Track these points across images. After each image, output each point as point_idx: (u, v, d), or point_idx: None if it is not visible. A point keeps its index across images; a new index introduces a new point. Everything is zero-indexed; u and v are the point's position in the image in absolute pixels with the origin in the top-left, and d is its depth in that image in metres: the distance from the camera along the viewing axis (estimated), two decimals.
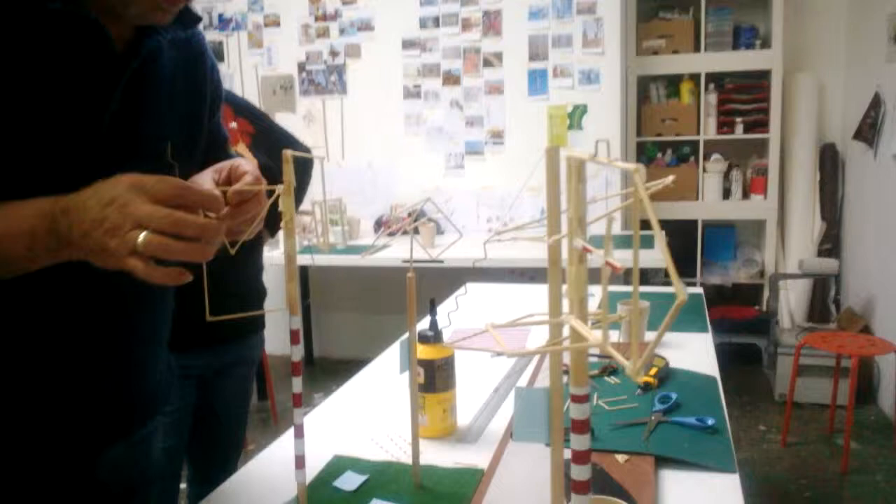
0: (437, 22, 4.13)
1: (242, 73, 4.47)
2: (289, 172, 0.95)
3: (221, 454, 2.01)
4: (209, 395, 1.89)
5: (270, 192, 0.96)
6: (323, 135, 4.40)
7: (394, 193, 4.30)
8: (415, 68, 4.21)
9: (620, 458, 1.21)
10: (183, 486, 2.11)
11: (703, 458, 1.20)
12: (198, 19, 1.00)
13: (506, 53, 4.07)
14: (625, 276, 3.81)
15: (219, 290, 1.64)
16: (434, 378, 1.35)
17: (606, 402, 1.45)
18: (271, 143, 2.01)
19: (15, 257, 0.80)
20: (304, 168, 2.16)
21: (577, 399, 0.55)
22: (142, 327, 1.04)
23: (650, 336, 1.88)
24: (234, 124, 1.97)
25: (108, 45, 0.89)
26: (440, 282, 2.93)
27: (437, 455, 1.28)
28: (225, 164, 0.92)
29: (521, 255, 3.48)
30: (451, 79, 4.17)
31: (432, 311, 1.41)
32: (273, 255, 3.84)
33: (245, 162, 0.94)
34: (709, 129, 4.28)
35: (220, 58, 4.47)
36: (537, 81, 4.03)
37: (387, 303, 4.34)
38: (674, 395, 1.42)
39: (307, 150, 2.18)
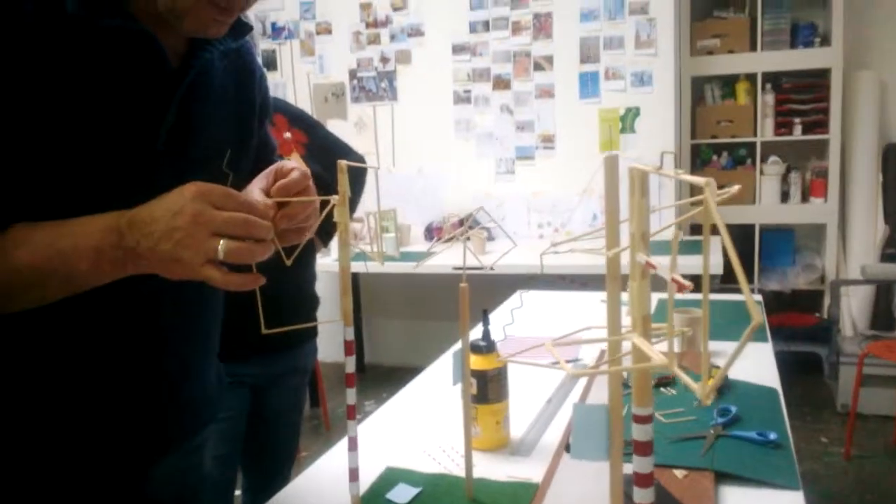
0: (486, 26, 4.12)
1: (295, 82, 4.53)
2: (343, 183, 0.95)
3: (275, 463, 2.03)
4: (262, 403, 1.92)
5: (325, 203, 0.96)
6: (374, 141, 4.43)
7: (444, 200, 4.30)
8: (465, 73, 4.20)
9: (679, 473, 1.18)
10: (237, 493, 2.14)
11: (766, 474, 1.16)
12: (249, 29, 1.01)
13: (556, 56, 4.03)
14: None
15: (272, 299, 1.66)
16: (487, 389, 1.34)
17: (663, 413, 1.41)
18: (325, 152, 2.03)
19: (80, 273, 0.81)
20: (357, 177, 2.17)
21: (640, 420, 0.53)
22: (193, 335, 1.05)
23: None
24: (287, 134, 1.99)
25: (163, 60, 0.90)
26: (492, 289, 2.92)
27: (490, 468, 1.27)
28: (270, 169, 0.93)
29: (574, 262, 3.45)
30: (501, 83, 4.15)
31: (485, 321, 1.40)
32: (325, 262, 3.88)
33: (290, 162, 0.94)
34: (766, 131, 4.18)
35: (274, 66, 4.55)
36: (589, 84, 3.99)
37: (438, 310, 4.34)
38: (733, 408, 1.38)
39: (361, 159, 2.19)
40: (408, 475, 1.23)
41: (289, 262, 0.95)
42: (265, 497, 1.24)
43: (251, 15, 4.48)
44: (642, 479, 0.54)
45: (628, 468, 1.18)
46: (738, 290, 2.18)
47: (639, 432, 0.54)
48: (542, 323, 2.25)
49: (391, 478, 1.22)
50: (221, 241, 0.77)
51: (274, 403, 1.95)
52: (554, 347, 0.64)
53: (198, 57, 0.94)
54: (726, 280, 3.94)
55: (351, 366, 0.97)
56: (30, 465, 0.92)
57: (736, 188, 0.63)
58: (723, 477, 1.17)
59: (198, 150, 0.97)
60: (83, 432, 0.94)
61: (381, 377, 4.37)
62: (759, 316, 0.39)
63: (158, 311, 0.97)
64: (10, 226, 0.81)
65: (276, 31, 4.51)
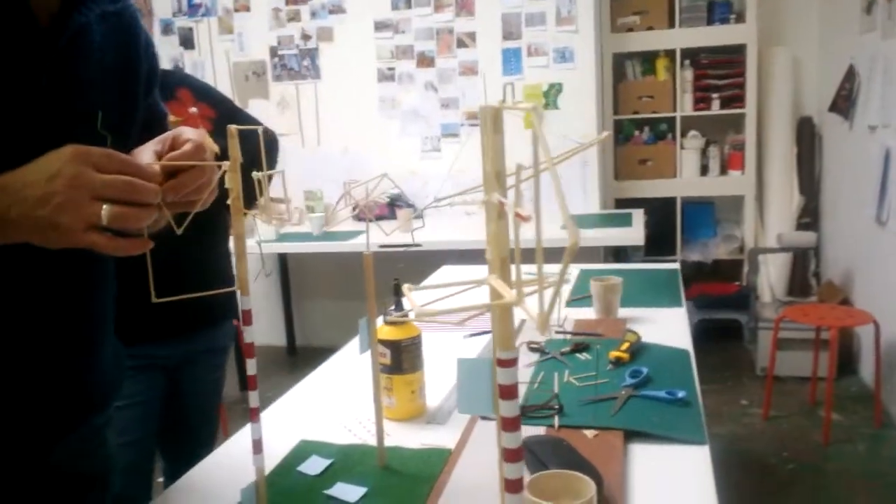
0: (409, 3, 4.07)
1: (214, 60, 4.40)
2: (234, 147, 0.91)
3: (194, 447, 1.97)
4: (177, 386, 1.86)
5: (223, 177, 0.93)
6: (297, 121, 4.35)
7: (371, 174, 4.26)
8: (388, 50, 4.16)
9: (589, 433, 1.20)
10: (160, 480, 2.09)
11: (673, 430, 1.19)
12: None
13: (479, 33, 4.02)
14: (611, 255, 3.79)
15: (179, 273, 1.61)
16: (401, 359, 1.33)
17: (577, 377, 1.43)
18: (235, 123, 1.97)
19: None
20: (268, 152, 2.12)
21: (504, 363, 0.52)
22: (80, 311, 1.00)
23: (623, 312, 1.86)
24: (194, 109, 1.92)
25: (31, 20, 0.85)
26: (420, 267, 2.91)
27: (406, 436, 1.26)
28: (168, 135, 0.89)
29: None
30: (425, 60, 4.12)
31: (397, 292, 1.38)
32: (249, 243, 3.80)
33: (189, 130, 0.90)
34: (685, 106, 4.27)
35: (191, 45, 4.41)
36: (512, 61, 3.99)
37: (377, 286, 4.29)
38: (645, 370, 1.40)
39: (272, 134, 2.14)
40: (321, 447, 1.21)
41: (178, 231, 0.91)
42: None
43: None
44: (509, 423, 0.53)
45: (528, 431, 1.19)
46: (660, 261, 2.21)
47: (503, 376, 0.53)
48: (463, 297, 2.25)
49: (304, 450, 1.20)
50: (105, 206, 0.73)
51: (189, 386, 1.89)
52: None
53: (71, 17, 0.89)
54: (650, 251, 4.04)
55: (249, 336, 0.94)
56: None
57: (605, 134, 0.63)
58: (632, 435, 1.19)
59: (75, 111, 0.92)
60: None
61: (312, 358, 4.27)
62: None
63: (39, 284, 0.92)
64: None
65: (193, 8, 4.36)
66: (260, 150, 2.14)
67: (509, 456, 0.53)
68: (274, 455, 1.20)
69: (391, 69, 4.18)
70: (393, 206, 4.10)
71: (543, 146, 0.42)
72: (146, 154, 0.88)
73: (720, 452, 2.96)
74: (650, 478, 1.07)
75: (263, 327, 4.65)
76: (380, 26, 4.14)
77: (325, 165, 4.29)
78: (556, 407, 1.28)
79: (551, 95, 3.97)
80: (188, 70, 4.42)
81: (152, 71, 1.10)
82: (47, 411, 0.96)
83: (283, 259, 4.52)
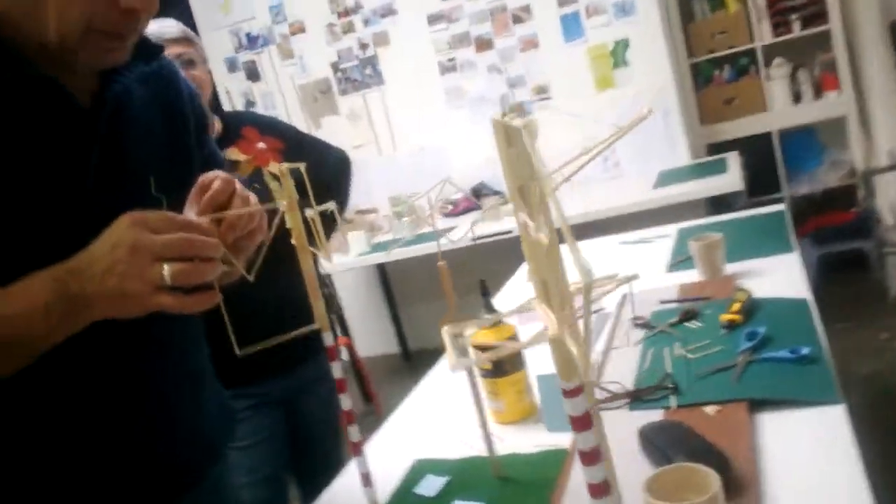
0: None
1: (281, 87, 4.48)
2: (288, 188, 0.90)
3: (325, 472, 2.00)
4: (296, 417, 1.89)
5: (274, 212, 0.92)
6: (370, 129, 4.37)
7: (452, 173, 4.23)
8: (445, 42, 4.11)
9: (710, 409, 1.12)
10: None
11: (802, 392, 1.10)
12: (158, 50, 0.97)
13: (533, 5, 3.91)
14: (711, 206, 3.62)
15: (268, 312, 1.63)
16: (502, 361, 1.29)
17: (689, 349, 1.35)
18: (304, 154, 1.98)
19: (35, 336, 0.79)
20: (341, 173, 2.12)
21: (568, 394, 0.47)
22: (173, 373, 1.02)
23: (730, 268, 1.76)
24: (261, 144, 1.94)
25: (71, 102, 0.87)
26: (512, 255, 2.86)
27: (521, 439, 1.22)
28: (195, 188, 0.90)
29: (587, 208, 3.37)
30: (483, 44, 4.05)
31: (484, 293, 1.35)
32: (346, 260, 3.85)
33: (212, 172, 0.90)
34: (764, 34, 4.01)
35: (257, 77, 4.50)
36: (571, 26, 3.86)
37: (468, 284, 4.28)
38: (761, 330, 1.31)
39: (342, 154, 2.14)
40: (436, 465, 1.20)
41: (251, 277, 0.92)
42: None
43: (224, 30, 4.44)
44: (588, 457, 0.48)
45: (644, 416, 1.13)
46: (764, 203, 2.05)
47: (571, 406, 0.48)
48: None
49: (420, 471, 1.19)
50: (165, 266, 0.74)
51: (307, 416, 1.93)
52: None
53: (110, 90, 0.90)
54: (754, 194, 3.82)
55: (338, 371, 0.93)
56: None
57: (647, 111, 0.57)
58: (758, 405, 1.11)
59: (129, 182, 0.93)
60: (84, 482, 0.92)
61: (427, 360, 4.33)
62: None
63: (128, 356, 0.94)
64: None
65: (252, 41, 4.46)
66: (342, 175, 2.13)
67: (594, 491, 0.48)
68: (392, 477, 1.19)
69: (451, 59, 4.13)
70: (479, 196, 4.05)
71: (538, 163, 0.38)
72: (189, 212, 0.88)
73: (865, 397, 2.77)
74: (783, 450, 0.99)
75: (375, 338, 4.73)
76: (433, 19, 4.10)
77: (404, 168, 4.30)
78: (671, 386, 1.21)
79: (619, 53, 3.82)
80: (259, 101, 4.52)
81: (200, 122, 1.11)
82: (155, 477, 0.98)
83: (381, 268, 4.57)
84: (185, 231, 0.78)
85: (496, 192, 4.04)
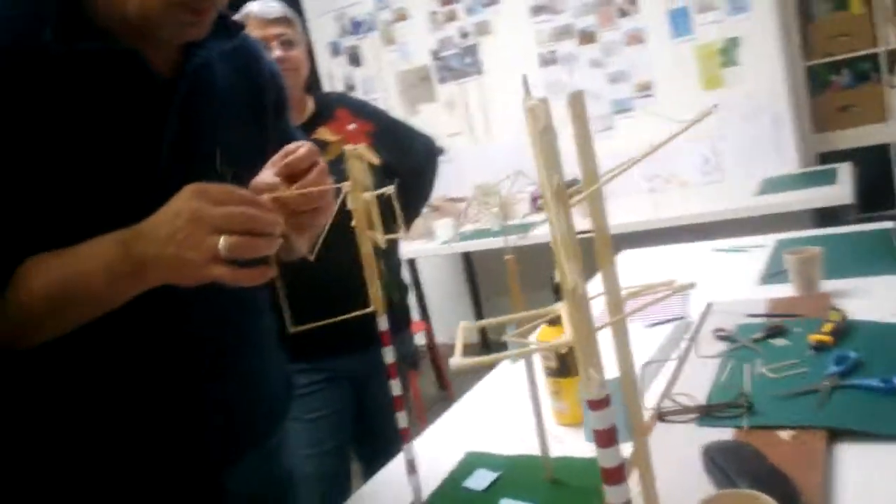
0: None
1: (382, 73, 4.53)
2: (357, 170, 0.89)
3: (386, 452, 2.02)
4: (365, 395, 1.91)
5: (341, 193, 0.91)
6: (465, 118, 4.36)
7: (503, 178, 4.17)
8: (547, 34, 4.04)
9: (784, 434, 1.05)
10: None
11: (888, 426, 1.01)
12: (239, 28, 0.98)
13: None
14: (817, 218, 3.42)
15: (351, 291, 1.65)
16: (568, 361, 1.25)
17: (770, 368, 1.27)
18: (394, 139, 1.99)
19: (95, 294, 0.81)
20: (428, 161, 2.12)
21: (593, 405, 0.44)
22: (244, 344, 1.04)
23: (828, 285, 1.64)
24: (352, 126, 1.96)
25: (150, 74, 0.88)
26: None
27: (581, 444, 1.18)
28: (280, 152, 0.90)
29: (688, 210, 3.24)
30: (586, 37, 3.96)
31: (556, 291, 1.30)
32: (432, 246, 3.86)
33: (301, 141, 0.91)
34: (889, 39, 3.74)
35: (358, 62, 4.56)
36: (680, 22, 3.72)
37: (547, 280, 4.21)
38: (853, 354, 1.21)
39: (430, 141, 2.14)
40: (488, 459, 1.17)
41: (311, 257, 0.91)
42: None
43: (330, 16, 4.52)
44: (611, 475, 0.45)
45: (713, 433, 1.07)
46: (875, 219, 1.90)
47: (596, 420, 0.44)
48: (644, 282, 2.10)
49: (470, 463, 1.17)
50: (222, 238, 0.75)
51: (376, 394, 1.94)
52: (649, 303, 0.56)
53: (190, 63, 0.91)
54: (866, 209, 3.59)
55: (389, 356, 0.92)
56: (97, 475, 0.93)
57: (711, 108, 0.52)
58: (838, 435, 1.03)
59: (203, 156, 0.95)
60: (150, 440, 0.95)
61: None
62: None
63: (196, 328, 0.96)
64: (26, 259, 0.82)
65: (356, 27, 4.52)
66: (427, 163, 2.13)
67: (608, 476, 0.45)
68: (445, 466, 1.18)
69: (552, 52, 4.06)
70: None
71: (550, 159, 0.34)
72: (266, 175, 0.89)
73: None
74: (860, 488, 0.91)
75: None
76: (536, 10, 4.04)
77: (497, 159, 4.26)
78: (745, 405, 1.14)
79: (729, 52, 3.65)
80: (359, 86, 4.59)
81: (280, 102, 1.12)
82: (216, 438, 1.00)
83: (467, 257, 4.56)
84: (245, 206, 0.78)
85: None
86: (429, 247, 3.86)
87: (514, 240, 1.06)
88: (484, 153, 4.33)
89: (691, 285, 0.62)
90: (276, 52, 1.75)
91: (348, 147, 0.88)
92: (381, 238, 0.89)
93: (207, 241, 0.75)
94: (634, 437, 0.58)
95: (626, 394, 0.55)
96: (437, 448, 1.29)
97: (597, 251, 0.57)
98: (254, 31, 1.75)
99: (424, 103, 4.45)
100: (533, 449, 1.20)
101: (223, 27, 0.95)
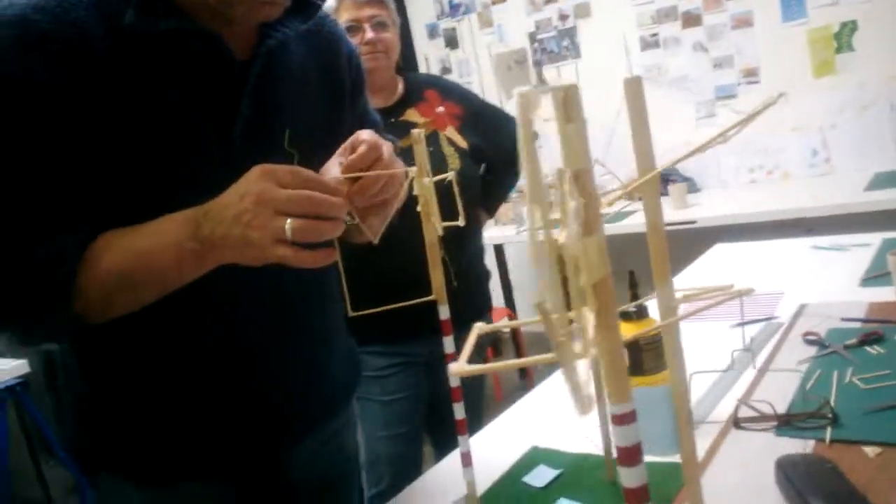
0: None
1: (478, 56, 4.50)
2: (420, 153, 0.88)
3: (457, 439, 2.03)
4: (439, 380, 1.91)
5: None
6: None
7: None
8: (649, 16, 3.91)
9: (870, 451, 0.97)
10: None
11: None
12: (316, 7, 0.98)
13: None
14: None
15: (417, 277, 1.65)
16: (641, 359, 1.21)
17: (862, 378, 1.19)
18: (482, 122, 1.97)
19: (165, 270, 0.84)
20: (515, 143, 2.09)
21: (619, 420, 0.41)
22: (310, 322, 1.05)
23: None
24: (441, 108, 1.95)
25: (226, 54, 0.90)
26: (692, 244, 2.68)
27: None
28: (348, 142, 0.90)
29: (797, 204, 3.07)
30: (691, 19, 3.80)
31: (632, 284, 1.26)
32: (515, 234, 3.83)
33: (365, 133, 0.90)
34: None
35: (455, 44, 4.55)
36: (792, 3, 3.51)
37: (639, 271, 4.10)
38: None
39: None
40: (551, 456, 1.15)
41: (375, 240, 0.91)
42: None
43: None
44: (634, 496, 0.42)
45: (792, 445, 1.00)
46: None
47: (620, 436, 0.42)
48: (735, 278, 2.01)
49: (533, 458, 1.15)
50: (288, 220, 0.76)
51: (447, 380, 1.94)
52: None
53: (265, 44, 0.92)
54: None
55: (449, 346, 0.91)
56: (165, 450, 0.97)
57: (779, 96, 0.48)
58: None
59: (277, 135, 0.96)
60: (211, 419, 0.98)
61: None
62: None
63: (266, 304, 0.98)
64: (97, 237, 0.85)
65: (454, 9, 4.50)
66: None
67: (631, 497, 0.42)
68: (506, 460, 1.16)
69: (654, 35, 3.92)
70: (666, 182, 3.85)
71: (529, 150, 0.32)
72: (333, 165, 0.89)
73: None
74: None
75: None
76: None
77: (593, 146, 4.16)
78: (830, 416, 1.07)
79: (844, 37, 3.43)
80: (454, 69, 4.58)
81: (357, 83, 1.12)
82: (276, 421, 1.02)
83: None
84: (311, 188, 0.79)
85: (686, 179, 3.82)
86: (515, 233, 3.83)
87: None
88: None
89: (749, 290, 0.58)
90: (369, 34, 1.75)
91: (414, 131, 0.87)
92: (439, 226, 0.88)
93: (273, 223, 0.76)
94: (684, 474, 0.55)
95: (679, 410, 0.52)
96: (504, 439, 1.28)
97: (651, 250, 0.54)
98: (347, 12, 1.76)
99: (520, 86, 4.39)
100: (598, 448, 1.17)
101: (302, 6, 0.96)
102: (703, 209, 3.41)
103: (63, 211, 0.84)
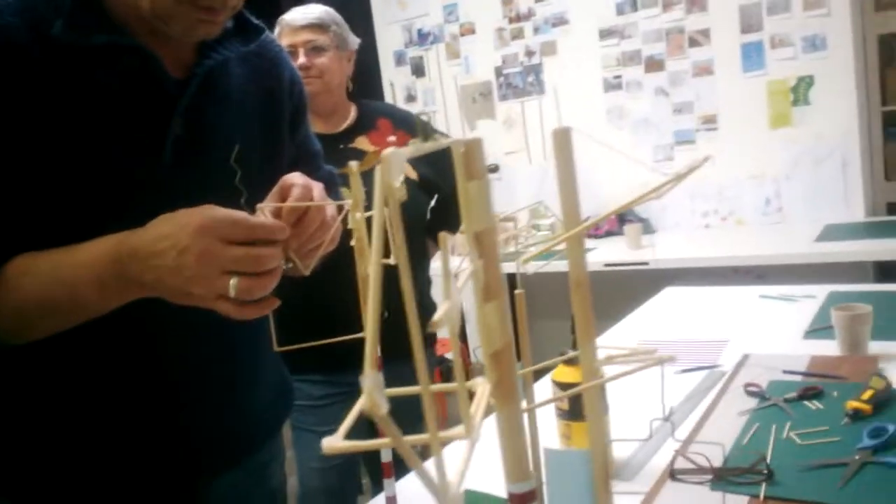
0: (634, 5, 3.85)
1: (443, 86, 4.51)
2: (356, 186, 0.85)
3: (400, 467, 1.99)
4: None
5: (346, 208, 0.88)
6: (524, 138, 4.30)
7: (600, 192, 4.08)
8: (614, 58, 3.96)
9: None
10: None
11: None
12: (259, 30, 0.95)
13: (714, 29, 3.68)
14: (880, 272, 3.25)
15: (352, 309, 1.62)
16: (580, 404, 1.19)
17: (799, 433, 1.18)
18: (434, 154, 1.95)
19: (85, 302, 0.80)
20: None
21: (519, 500, 0.39)
22: (237, 353, 1.01)
23: (876, 347, 1.53)
24: (392, 137, 1.94)
25: (160, 72, 0.87)
26: (643, 285, 2.69)
27: None
28: (277, 186, 0.87)
29: (747, 252, 3.11)
30: (654, 64, 3.86)
31: (573, 331, 1.24)
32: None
33: (296, 175, 0.87)
34: None
35: (422, 73, 4.56)
36: (752, 55, 3.59)
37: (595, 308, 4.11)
38: (891, 428, 1.11)
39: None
40: (487, 501, 1.11)
41: (306, 272, 0.88)
42: None
43: (397, 26, 4.53)
44: None
45: (734, 501, 0.99)
46: None
47: None
48: (682, 323, 2.02)
49: (470, 502, 1.11)
50: (232, 280, 0.73)
51: (392, 410, 1.90)
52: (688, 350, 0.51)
53: (202, 64, 0.89)
54: None
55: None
56: (77, 479, 0.92)
57: (704, 159, 0.47)
58: None
59: (213, 159, 0.92)
60: (127, 450, 0.93)
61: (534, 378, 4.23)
62: None
63: (189, 330, 0.94)
64: (14, 256, 0.80)
65: (422, 37, 4.52)
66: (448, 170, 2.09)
67: None
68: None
69: (618, 77, 3.98)
70: (623, 222, 3.88)
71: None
72: (266, 211, 0.86)
73: None
74: None
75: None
76: (604, 34, 3.96)
77: (552, 181, 4.19)
78: (765, 472, 1.06)
79: (801, 90, 3.51)
80: (419, 97, 4.58)
81: (299, 109, 1.09)
82: (195, 453, 0.97)
83: (510, 277, 4.49)
84: (257, 236, 0.76)
85: (641, 220, 3.85)
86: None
87: (528, 269, 1.00)
88: (540, 174, 4.27)
89: (671, 358, 0.56)
90: (300, 59, 1.74)
91: (352, 163, 0.84)
92: (373, 263, 0.85)
93: (217, 282, 0.74)
94: None
95: (597, 480, 0.50)
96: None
97: (575, 309, 0.51)
98: (286, 38, 1.75)
99: (483, 119, 4.42)
100: None
101: (245, 29, 0.93)
102: (657, 251, 3.43)
103: None
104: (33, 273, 0.80)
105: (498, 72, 4.32)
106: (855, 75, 3.44)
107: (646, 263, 3.18)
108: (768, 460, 1.09)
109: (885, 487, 0.99)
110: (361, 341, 0.95)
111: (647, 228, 3.84)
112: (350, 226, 0.85)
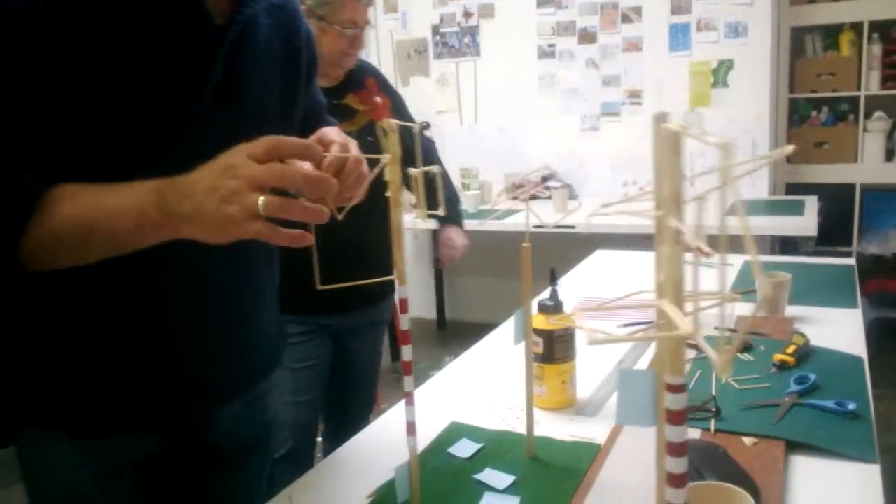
0: None
1: (378, 39, 4.53)
2: (394, 143, 0.94)
3: (353, 411, 2.10)
4: (343, 353, 1.98)
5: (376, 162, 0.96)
6: (456, 98, 4.40)
7: (527, 157, 4.25)
8: (549, 27, 4.10)
9: (748, 440, 1.15)
10: (318, 439, 2.23)
11: (840, 445, 1.12)
12: None
13: (646, 7, 3.88)
14: (778, 245, 3.58)
15: (348, 256, 1.70)
16: (553, 349, 1.33)
17: (737, 380, 1.37)
18: (402, 117, 2.04)
19: (121, 232, 0.81)
20: (428, 150, 2.22)
21: (673, 389, 0.52)
22: (244, 291, 1.07)
23: (791, 310, 1.76)
24: (378, 99, 1.99)
25: (206, 18, 0.91)
26: (571, 248, 2.88)
27: (554, 427, 1.27)
28: (314, 137, 0.94)
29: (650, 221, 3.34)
30: (587, 36, 4.03)
31: (552, 281, 1.38)
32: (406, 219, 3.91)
33: (332, 130, 0.95)
34: (871, 84, 3.91)
35: None
36: (679, 36, 3.82)
37: (518, 268, 4.31)
38: (812, 376, 1.32)
39: (425, 128, 2.21)
40: (471, 431, 1.25)
41: (340, 217, 0.96)
42: (343, 443, 1.28)
43: None
44: (675, 449, 0.53)
45: (689, 434, 1.16)
46: (834, 254, 2.06)
47: (671, 401, 0.52)
48: (616, 283, 2.21)
49: (455, 432, 1.24)
50: (261, 197, 0.74)
51: (353, 354, 2.01)
52: (585, 320, 0.63)
53: (241, 13, 0.95)
54: (822, 242, 3.76)
55: (406, 323, 0.98)
56: (88, 403, 0.97)
57: (789, 148, 0.59)
58: (794, 447, 1.13)
59: (245, 105, 0.98)
60: (142, 377, 0.98)
61: (461, 333, 4.41)
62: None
63: (206, 267, 0.99)
64: (57, 185, 0.83)
65: None
66: (431, 153, 2.21)
67: (674, 481, 0.53)
68: (425, 434, 1.24)
69: (552, 46, 4.12)
70: (548, 186, 4.07)
71: (731, 184, 0.41)
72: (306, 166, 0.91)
73: (892, 468, 2.74)
74: (812, 495, 1.02)
75: (414, 300, 4.80)
76: (542, 2, 4.09)
77: (481, 143, 4.32)
78: (714, 409, 1.24)
79: (721, 73, 3.77)
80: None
81: (312, 62, 1.15)
82: (208, 382, 1.04)
83: (435, 235, 4.62)
84: (295, 155, 0.79)
85: (566, 185, 4.05)
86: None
87: (529, 226, 1.12)
88: (469, 136, 4.39)
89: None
90: (362, 39, 1.79)
91: (386, 122, 0.92)
92: (425, 213, 0.95)
93: (249, 198, 0.74)
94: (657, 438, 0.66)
95: (657, 397, 0.63)
96: (423, 414, 1.36)
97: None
98: (349, 11, 1.73)
99: (417, 76, 4.48)
100: (510, 427, 1.28)
101: None
102: (580, 215, 3.63)
103: (24, 149, 0.82)
104: (75, 198, 0.82)
105: (435, 30, 4.38)
106: (769, 63, 3.72)
107: (573, 227, 3.37)
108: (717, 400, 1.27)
109: (810, 423, 1.19)
110: (333, 290, 1.04)
111: (572, 194, 4.05)
112: (387, 178, 0.94)
